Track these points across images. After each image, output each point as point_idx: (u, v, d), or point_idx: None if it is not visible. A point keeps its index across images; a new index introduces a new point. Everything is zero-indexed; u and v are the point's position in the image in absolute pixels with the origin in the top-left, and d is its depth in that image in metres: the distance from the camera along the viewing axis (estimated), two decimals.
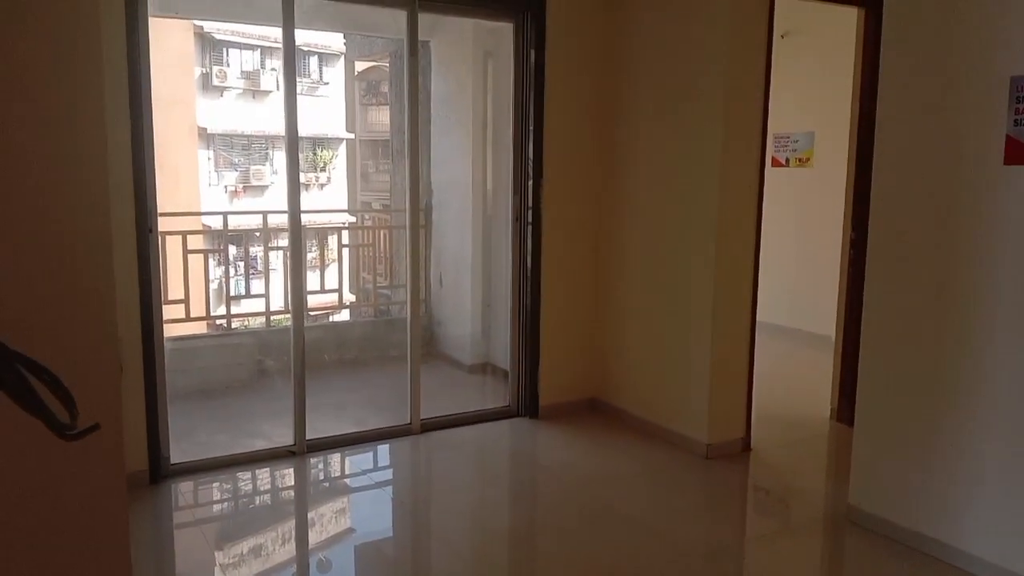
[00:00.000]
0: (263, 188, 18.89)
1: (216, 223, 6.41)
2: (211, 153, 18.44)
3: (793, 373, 6.00)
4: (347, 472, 4.19)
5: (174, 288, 5.59)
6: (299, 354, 4.19)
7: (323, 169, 20.48)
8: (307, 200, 19.49)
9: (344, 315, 7.49)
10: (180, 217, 9.69)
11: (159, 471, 3.80)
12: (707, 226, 4.10)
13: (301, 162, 19.92)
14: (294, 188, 4.12)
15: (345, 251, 7.49)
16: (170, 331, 6.39)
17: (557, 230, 4.70)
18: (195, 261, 5.63)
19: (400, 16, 4.27)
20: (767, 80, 4.13)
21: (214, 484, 3.91)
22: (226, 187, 18.76)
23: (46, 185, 3.01)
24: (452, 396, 5.47)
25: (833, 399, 4.93)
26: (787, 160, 7.21)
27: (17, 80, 2.15)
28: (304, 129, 18.68)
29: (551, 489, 3.93)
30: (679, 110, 4.24)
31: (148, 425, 3.74)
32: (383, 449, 4.39)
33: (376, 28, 6.39)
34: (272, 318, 6.03)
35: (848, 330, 4.82)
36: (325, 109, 20.07)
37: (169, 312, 5.98)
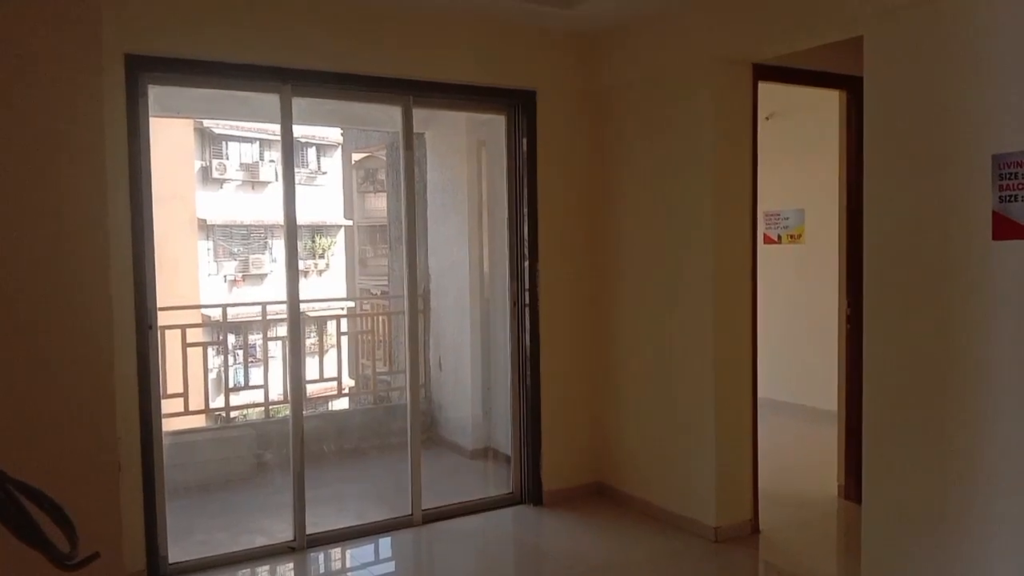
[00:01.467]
0: (262, 276, 19.00)
1: (216, 314, 6.43)
2: (211, 244, 18.62)
3: (798, 450, 5.93)
4: (348, 568, 4.09)
5: (173, 382, 5.58)
6: (298, 447, 4.14)
7: (321, 256, 20.64)
8: (306, 287, 19.61)
9: (343, 403, 7.44)
10: (179, 311, 9.71)
11: (158, 572, 3.71)
12: (703, 303, 4.12)
13: (300, 250, 20.04)
14: (293, 277, 4.17)
15: (344, 338, 7.52)
16: (169, 425, 6.35)
17: (555, 312, 4.72)
18: (194, 354, 5.64)
19: (395, 111, 4.40)
20: (754, 159, 4.23)
21: None
22: (225, 276, 18.88)
23: (48, 285, 3.04)
24: (454, 483, 5.40)
25: (840, 476, 4.86)
26: (779, 237, 7.30)
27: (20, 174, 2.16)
28: (303, 217, 18.82)
29: None
30: (669, 190, 4.33)
31: (146, 524, 3.67)
32: (384, 542, 4.30)
33: (372, 122, 6.59)
34: (271, 408, 5.99)
35: (851, 404, 4.79)
36: (323, 197, 20.38)
37: (168, 406, 5.99)
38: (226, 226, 18.84)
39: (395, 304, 7.26)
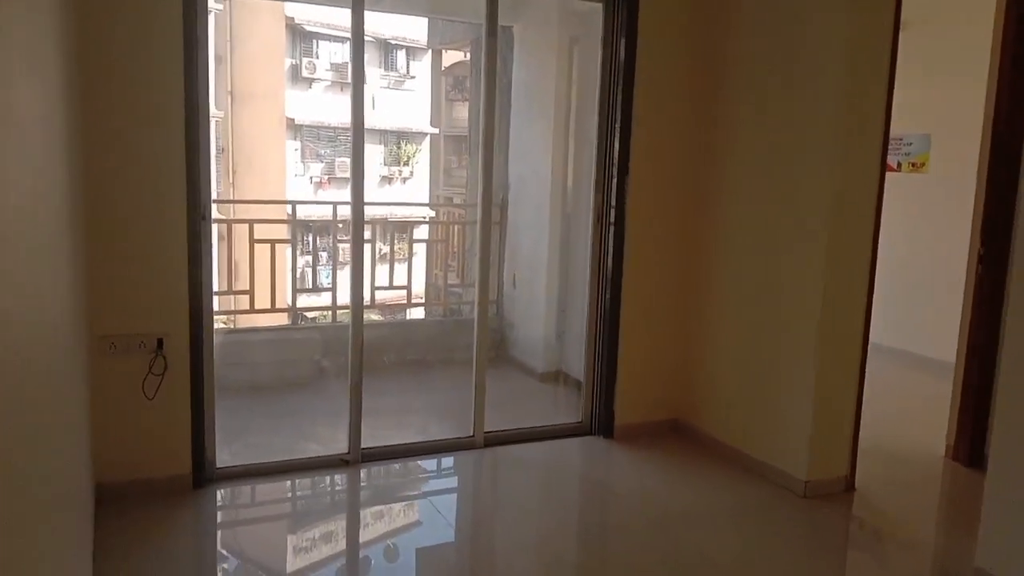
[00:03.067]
0: (347, 180, 18.94)
1: (297, 212, 6.19)
2: (298, 144, 18.61)
3: (903, 403, 5.38)
4: (401, 487, 3.86)
5: (244, 278, 5.41)
6: (357, 356, 3.88)
7: (406, 163, 20.46)
8: (388, 193, 19.51)
9: (418, 312, 7.20)
10: (252, 205, 9.59)
11: (204, 475, 3.54)
12: (816, 235, 3.59)
13: (384, 155, 19.89)
14: (358, 180, 3.82)
15: (419, 247, 7.22)
16: (240, 322, 6.23)
17: (642, 232, 4.26)
18: (265, 251, 5.41)
19: None
20: (891, 74, 3.61)
21: (260, 492, 3.64)
22: (311, 178, 18.93)
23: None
24: (521, 406, 5.10)
25: (949, 435, 4.34)
26: (898, 164, 6.55)
27: None
28: (388, 122, 18.66)
29: (628, 524, 3.48)
30: (786, 105, 3.74)
31: (193, 425, 3.48)
32: (442, 463, 4.05)
33: (455, 11, 6.06)
34: (339, 313, 5.78)
35: (972, 356, 4.23)
36: (411, 103, 20.04)
37: (238, 303, 5.85)
38: (314, 127, 18.76)
39: (472, 214, 6.89)
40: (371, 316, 6.62)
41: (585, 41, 5.28)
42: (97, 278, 3.23)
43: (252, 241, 5.35)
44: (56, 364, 2.55)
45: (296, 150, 18.57)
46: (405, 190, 20.15)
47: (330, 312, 5.80)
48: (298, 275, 6.13)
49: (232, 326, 6.19)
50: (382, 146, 19.80)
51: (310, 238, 6.82)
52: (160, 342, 3.37)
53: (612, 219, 4.22)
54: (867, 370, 3.83)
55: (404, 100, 19.77)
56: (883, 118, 3.61)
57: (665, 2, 4.12)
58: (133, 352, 3.33)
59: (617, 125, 4.16)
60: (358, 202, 3.81)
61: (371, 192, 19.40)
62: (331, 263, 5.50)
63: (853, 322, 3.71)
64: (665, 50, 4.16)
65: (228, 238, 5.60)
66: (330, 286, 5.75)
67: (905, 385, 5.77)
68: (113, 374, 3.31)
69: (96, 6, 3.10)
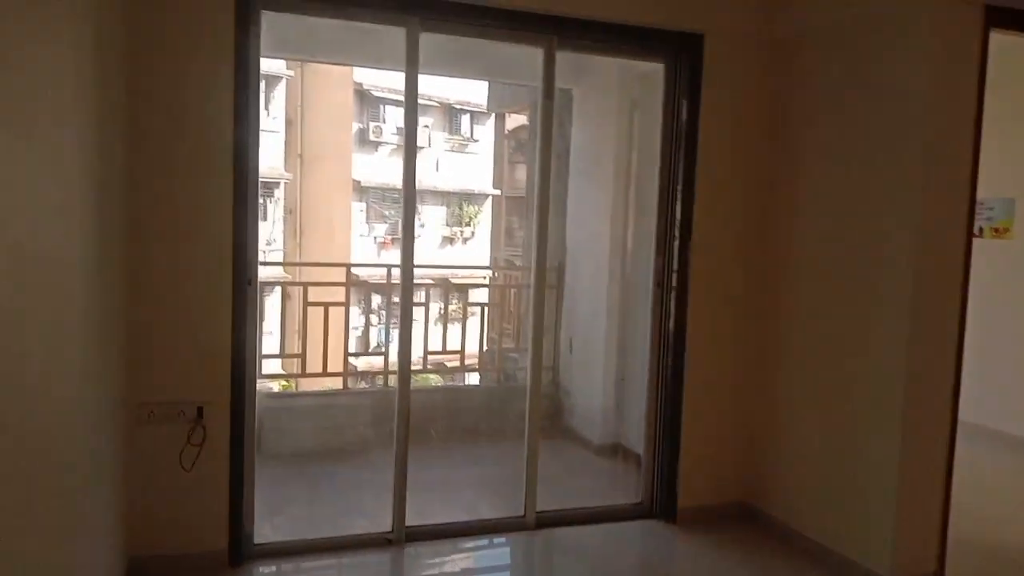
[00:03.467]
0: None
1: (360, 275, 6.14)
2: (364, 205, 18.94)
3: (996, 487, 4.92)
4: (447, 572, 3.62)
5: (293, 342, 5.35)
6: (403, 428, 3.71)
7: (467, 223, 20.62)
8: (450, 253, 19.63)
9: (471, 378, 7.01)
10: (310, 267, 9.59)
11: (241, 552, 3.38)
12: (898, 305, 3.31)
13: (446, 216, 19.94)
14: (408, 243, 3.70)
15: (475, 309, 7.08)
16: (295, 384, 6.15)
17: (706, 298, 4.02)
18: (319, 314, 5.33)
19: (536, 55, 3.82)
20: (977, 132, 3.35)
21: (298, 572, 3.45)
22: (375, 238, 19.19)
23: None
24: (576, 481, 4.84)
25: None
26: (980, 230, 6.17)
27: None
28: (451, 184, 18.80)
29: None
30: (864, 166, 3.50)
31: (231, 499, 3.34)
32: (490, 545, 3.81)
33: (512, 73, 6.01)
34: (391, 377, 5.64)
35: None
36: (474, 165, 20.31)
37: (291, 366, 5.78)
38: (379, 189, 19.10)
39: (527, 277, 6.75)
40: (428, 379, 6.49)
41: (646, 104, 5.16)
42: (137, 343, 3.15)
43: (305, 304, 5.29)
44: (80, 433, 2.46)
45: (361, 211, 18.90)
46: (466, 251, 20.26)
47: (383, 376, 5.65)
48: (354, 336, 6.04)
49: (287, 387, 6.10)
50: (444, 207, 20.03)
51: (369, 299, 6.71)
52: (200, 411, 3.26)
53: (674, 284, 4.00)
54: (956, 451, 3.47)
55: (467, 162, 20.03)
56: (969, 180, 3.35)
57: (729, 61, 3.96)
58: (171, 421, 3.22)
59: (679, 187, 3.97)
60: (408, 265, 3.68)
61: (432, 252, 19.62)
62: (389, 324, 5.36)
63: (940, 398, 3.38)
64: (729, 110, 3.99)
65: (283, 300, 5.57)
66: (384, 349, 5.65)
67: (998, 468, 5.30)
68: (150, 443, 3.21)
69: (148, 62, 3.09)
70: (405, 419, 3.73)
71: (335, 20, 3.56)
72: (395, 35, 3.58)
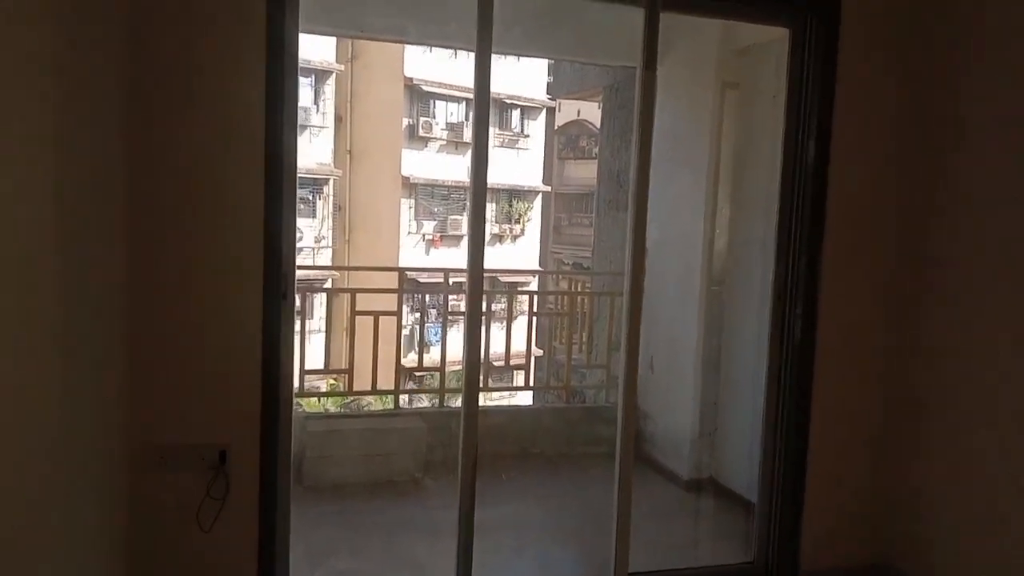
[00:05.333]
0: (459, 238, 18.74)
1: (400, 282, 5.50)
2: (412, 202, 18.57)
3: None
4: None
5: (337, 362, 4.75)
6: (468, 474, 3.04)
7: (517, 221, 20.08)
8: (499, 251, 19.03)
9: (525, 397, 6.32)
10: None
11: None
12: None
13: (494, 213, 19.48)
14: (477, 244, 3.02)
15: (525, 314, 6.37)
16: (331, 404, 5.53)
17: (840, 318, 3.27)
18: (368, 325, 4.70)
19: (634, 18, 3.11)
20: None
21: None
22: (424, 235, 18.77)
23: None
24: (663, 526, 4.11)
25: None
26: None
27: None
28: (501, 180, 18.25)
29: None
30: None
31: (261, 564, 2.71)
32: None
33: (591, 51, 5.30)
34: (446, 396, 4.99)
35: None
36: (523, 162, 19.81)
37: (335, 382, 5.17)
38: (428, 185, 18.69)
39: (596, 282, 6.03)
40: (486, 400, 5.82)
41: (747, 85, 4.42)
42: (144, 372, 2.54)
43: (353, 313, 4.67)
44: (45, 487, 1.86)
45: (410, 208, 18.48)
46: (515, 249, 19.69)
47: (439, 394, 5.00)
48: (404, 344, 5.41)
49: (333, 386, 5.48)
50: (493, 204, 19.49)
51: (423, 300, 6.05)
52: (222, 455, 2.63)
53: (799, 297, 3.26)
54: None
55: (517, 158, 19.50)
56: None
57: (875, 17, 3.20)
58: (187, 467, 2.60)
59: (805, 181, 3.23)
60: (476, 270, 3.00)
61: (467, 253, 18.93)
62: (445, 332, 4.73)
63: None
64: (874, 87, 3.23)
65: (329, 304, 4.95)
66: (435, 366, 5.01)
67: None
68: (158, 496, 2.59)
69: (170, 44, 2.48)
70: (472, 458, 3.06)
71: None
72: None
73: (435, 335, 10.95)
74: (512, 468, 4.69)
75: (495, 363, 5.64)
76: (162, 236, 2.54)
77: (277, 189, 2.64)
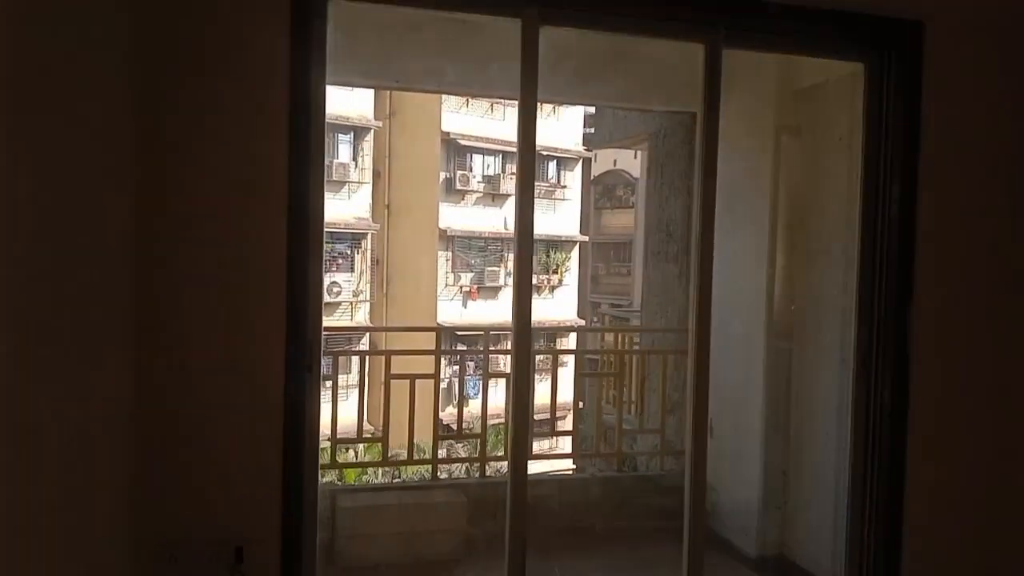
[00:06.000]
0: (496, 289, 18.54)
1: (437, 340, 5.19)
2: (449, 254, 18.50)
3: None
4: None
5: (372, 419, 4.45)
6: (518, 551, 2.69)
7: (555, 271, 19.84)
8: (537, 304, 18.67)
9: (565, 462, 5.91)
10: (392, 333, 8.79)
11: None
12: None
13: (534, 263, 19.49)
14: (525, 297, 2.72)
15: (567, 374, 6.02)
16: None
17: (938, 382, 2.89)
18: (403, 389, 4.40)
19: (689, 56, 2.84)
20: None
21: None
22: (461, 287, 18.63)
23: None
24: None
25: None
26: None
27: None
28: (539, 230, 18.18)
29: None
30: None
31: None
32: None
33: (639, 98, 5.03)
34: (487, 465, 4.64)
35: None
36: (560, 212, 19.72)
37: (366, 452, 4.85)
38: (465, 237, 18.61)
39: (646, 338, 5.65)
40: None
41: (811, 126, 4.11)
42: (153, 456, 2.25)
43: (388, 376, 4.37)
44: None
45: (447, 260, 18.39)
46: (552, 301, 19.41)
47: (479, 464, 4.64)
48: (442, 397, 5.08)
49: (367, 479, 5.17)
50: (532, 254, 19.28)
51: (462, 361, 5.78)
52: (239, 552, 2.32)
53: (888, 361, 2.88)
54: None
55: (553, 210, 19.39)
56: None
57: (963, 46, 2.89)
58: (197, 567, 2.29)
59: (890, 231, 2.88)
60: (524, 326, 2.69)
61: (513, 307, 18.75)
62: (482, 405, 4.41)
63: None
64: (965, 123, 2.89)
65: (362, 367, 4.64)
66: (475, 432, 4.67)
67: None
68: None
69: (186, 96, 2.26)
70: (520, 540, 2.71)
71: (422, 11, 2.67)
72: (501, 43, 2.68)
73: (474, 388, 10.64)
74: (560, 546, 4.29)
75: (537, 415, 5.29)
76: (172, 301, 2.28)
77: (302, 247, 2.38)
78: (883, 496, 2.91)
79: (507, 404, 2.65)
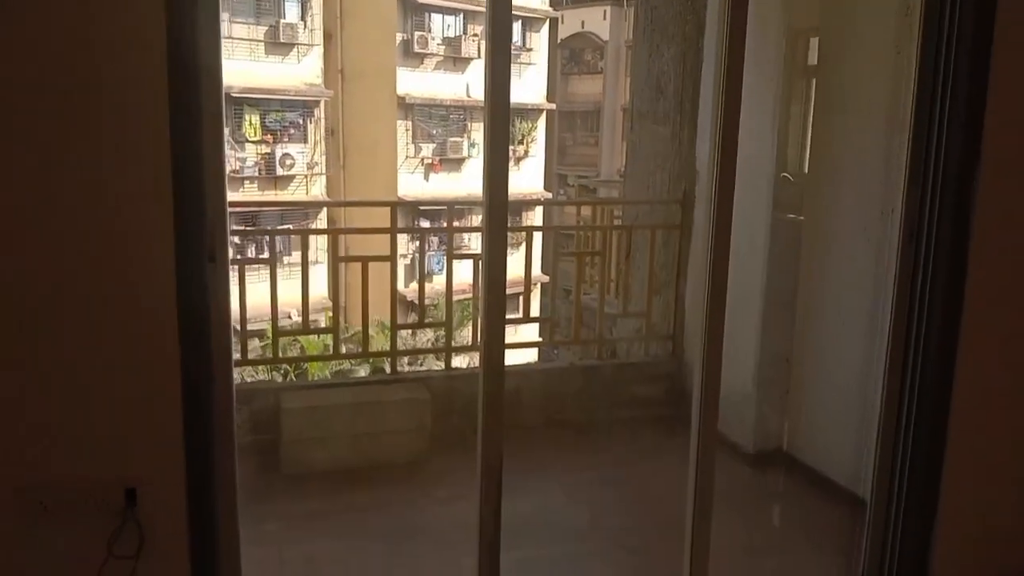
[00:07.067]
0: (460, 161, 17.74)
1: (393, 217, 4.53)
2: (409, 124, 17.55)
3: None
4: None
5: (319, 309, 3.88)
6: (493, 476, 2.22)
7: (521, 141, 19.00)
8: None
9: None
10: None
11: None
12: None
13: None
14: (500, 170, 2.11)
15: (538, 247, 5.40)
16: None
17: (1002, 266, 2.37)
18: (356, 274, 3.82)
19: None
20: None
21: None
22: (423, 159, 17.76)
23: None
24: (730, 516, 3.29)
25: None
26: None
27: None
28: None
29: None
30: None
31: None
32: None
33: None
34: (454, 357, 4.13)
35: None
36: (526, 78, 18.71)
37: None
38: (425, 105, 17.58)
39: (630, 214, 5.03)
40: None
41: None
42: (12, 385, 1.67)
43: (336, 260, 3.77)
44: None
45: (407, 130, 17.43)
46: (519, 173, 18.68)
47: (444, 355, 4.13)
48: (402, 264, 4.49)
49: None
50: None
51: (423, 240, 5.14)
52: (131, 495, 1.78)
53: (944, 236, 2.35)
54: None
55: (519, 76, 18.35)
56: None
57: None
58: (79, 516, 1.76)
59: (949, 79, 2.28)
60: (499, 200, 2.10)
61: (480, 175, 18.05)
62: (451, 270, 3.85)
63: None
64: None
65: (305, 249, 4.01)
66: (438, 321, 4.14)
67: None
68: (42, 557, 1.75)
69: None
70: (496, 441, 2.24)
71: None
72: None
73: (438, 265, 10.15)
74: (539, 442, 3.86)
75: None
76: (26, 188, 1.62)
77: (190, 104, 1.71)
78: (926, 403, 2.44)
79: (476, 284, 2.09)
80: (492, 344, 2.19)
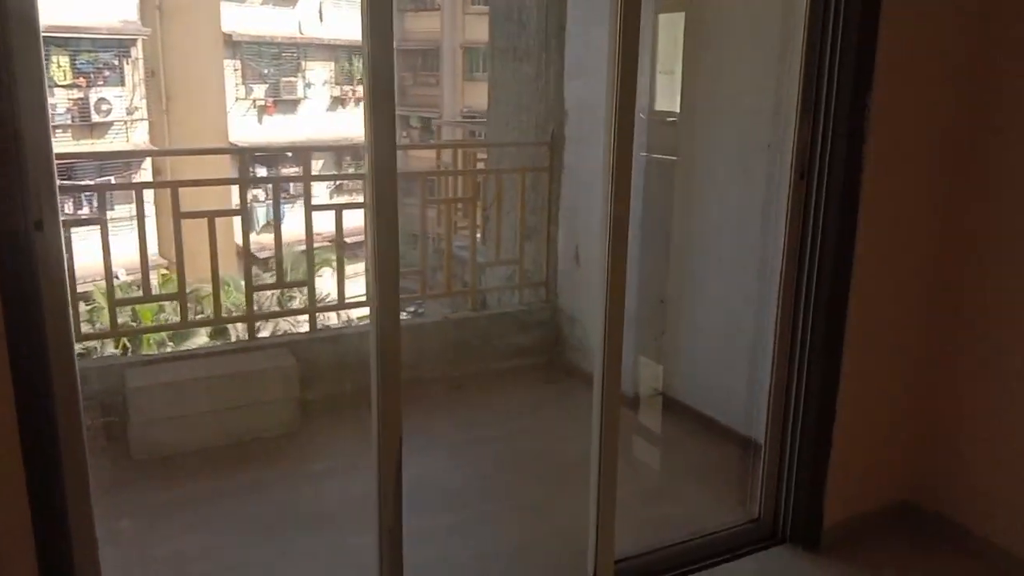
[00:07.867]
0: (295, 103, 16.78)
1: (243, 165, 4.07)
2: (238, 63, 16.36)
3: None
4: None
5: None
6: (390, 431, 2.02)
7: (360, 81, 18.20)
8: (342, 117, 17.22)
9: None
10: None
11: None
12: None
13: (334, 73, 17.89)
14: (381, 106, 1.84)
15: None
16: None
17: (886, 207, 2.39)
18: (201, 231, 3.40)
19: None
20: None
21: None
22: (255, 101, 16.64)
23: None
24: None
25: None
26: None
27: None
28: (340, 34, 16.61)
29: None
30: None
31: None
32: None
33: None
34: (319, 316, 3.83)
35: None
36: (357, 13, 17.84)
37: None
38: (254, 43, 16.42)
39: (496, 157, 4.85)
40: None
41: None
42: None
43: (177, 216, 3.34)
44: None
45: (236, 70, 16.23)
46: (359, 113, 17.93)
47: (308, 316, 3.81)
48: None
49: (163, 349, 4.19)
50: (332, 63, 17.54)
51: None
52: None
53: (834, 173, 2.33)
54: None
55: (355, 10, 17.48)
56: None
57: None
58: None
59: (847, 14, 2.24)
60: (385, 144, 1.84)
61: (321, 117, 17.20)
62: (306, 242, 3.53)
63: None
64: None
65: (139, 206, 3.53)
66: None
67: None
68: None
69: None
70: (394, 406, 2.04)
71: None
72: None
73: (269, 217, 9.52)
74: (413, 404, 3.66)
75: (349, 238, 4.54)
76: None
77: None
78: (819, 348, 2.45)
79: (367, 237, 1.83)
80: (386, 298, 1.95)
